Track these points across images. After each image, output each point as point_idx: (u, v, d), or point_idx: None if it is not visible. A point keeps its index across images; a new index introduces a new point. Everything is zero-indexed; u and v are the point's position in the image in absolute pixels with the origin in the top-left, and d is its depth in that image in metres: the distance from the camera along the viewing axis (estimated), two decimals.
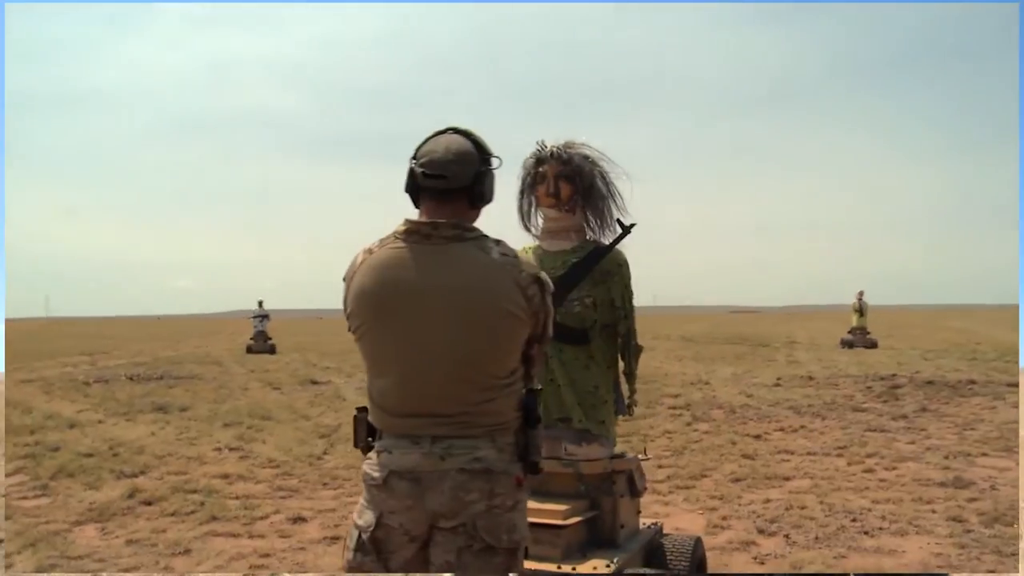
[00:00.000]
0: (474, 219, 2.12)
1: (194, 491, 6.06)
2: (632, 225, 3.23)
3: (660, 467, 6.74)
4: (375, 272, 2.03)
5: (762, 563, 4.27)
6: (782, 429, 8.62)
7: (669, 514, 5.33)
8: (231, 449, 7.83)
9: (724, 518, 5.15)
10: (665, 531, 3.63)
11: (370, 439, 2.09)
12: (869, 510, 5.24)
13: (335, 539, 4.83)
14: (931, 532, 4.74)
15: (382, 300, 2.01)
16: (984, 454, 7.05)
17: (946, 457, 6.89)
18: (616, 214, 3.26)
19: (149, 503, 5.76)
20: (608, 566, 2.91)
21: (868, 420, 9.02)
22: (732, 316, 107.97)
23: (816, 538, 4.64)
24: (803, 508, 5.29)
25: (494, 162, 2.13)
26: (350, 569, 2.05)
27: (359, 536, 2.03)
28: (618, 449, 3.37)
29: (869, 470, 6.49)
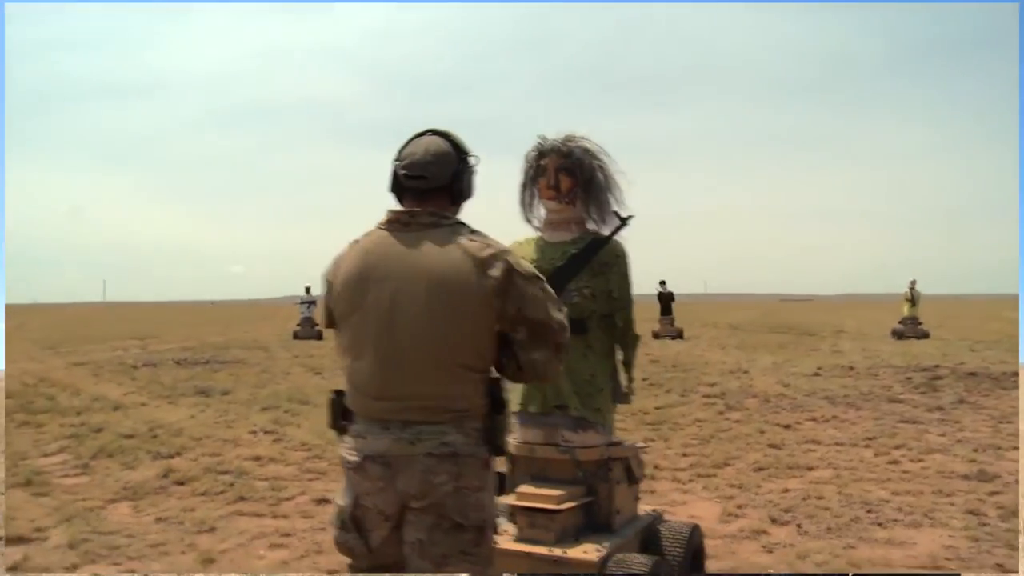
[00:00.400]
0: (455, 214, 2.25)
1: (225, 472, 6.27)
2: (629, 217, 3.28)
3: (684, 455, 6.78)
4: (360, 257, 2.19)
5: (770, 552, 4.29)
6: (814, 419, 8.56)
7: (687, 502, 5.38)
8: (266, 432, 8.05)
9: (740, 507, 5.17)
10: (666, 518, 3.67)
11: (344, 422, 2.22)
12: (887, 502, 5.21)
13: None
14: (946, 525, 4.70)
15: (365, 283, 2.15)
16: (1015, 447, 6.92)
17: (975, 450, 6.78)
18: (614, 206, 3.31)
19: (181, 483, 5.98)
20: (598, 551, 2.97)
21: (902, 411, 8.90)
22: (783, 304, 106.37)
23: (828, 528, 4.64)
24: (820, 498, 5.28)
25: (472, 160, 2.27)
26: (337, 545, 2.23)
27: (340, 515, 2.20)
28: (625, 438, 3.43)
29: (894, 461, 6.43)
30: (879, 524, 4.74)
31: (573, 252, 3.24)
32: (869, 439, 7.34)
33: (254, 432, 8.07)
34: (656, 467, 6.33)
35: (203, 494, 5.68)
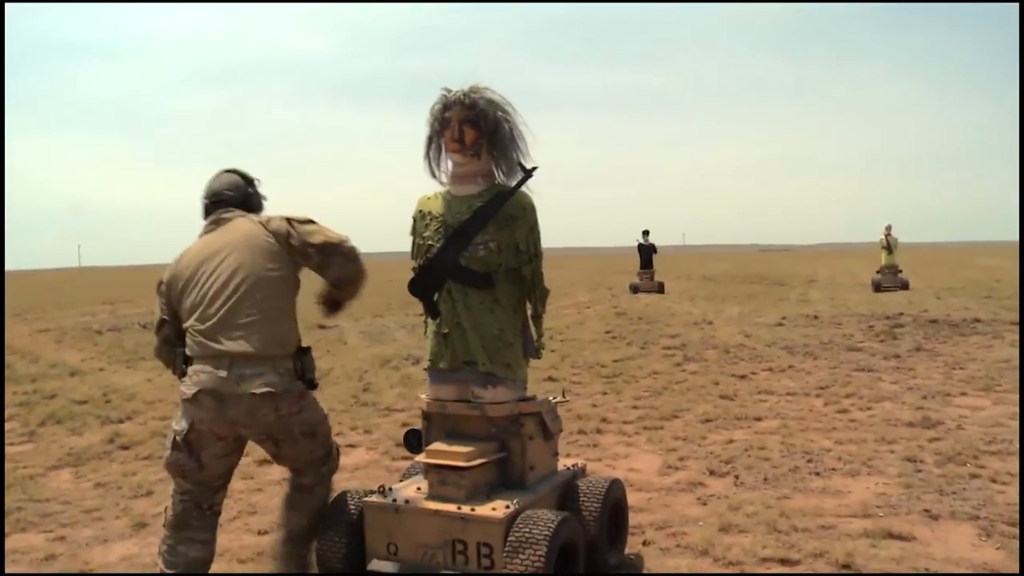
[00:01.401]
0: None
1: None
2: (534, 168, 3.21)
3: (635, 408, 6.80)
4: (191, 255, 3.06)
5: (704, 504, 4.29)
6: (770, 369, 8.61)
7: (629, 454, 5.39)
8: None
9: (682, 459, 5.18)
10: (587, 473, 3.65)
11: (185, 365, 2.97)
12: (829, 451, 5.24)
13: None
14: (882, 472, 4.74)
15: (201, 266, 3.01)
16: (964, 393, 6.99)
17: (924, 397, 6.84)
18: (520, 158, 3.24)
19: (127, 447, 5.93)
20: (508, 507, 2.94)
21: (859, 360, 8.96)
22: (760, 255, 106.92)
23: (765, 479, 4.67)
24: (762, 449, 5.30)
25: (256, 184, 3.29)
26: (167, 465, 3.00)
27: (175, 438, 2.93)
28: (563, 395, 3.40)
29: (843, 410, 6.47)
30: (817, 473, 4.76)
31: (479, 205, 3.17)
32: (822, 388, 7.39)
33: None
34: (604, 420, 6.35)
35: (147, 458, 5.64)
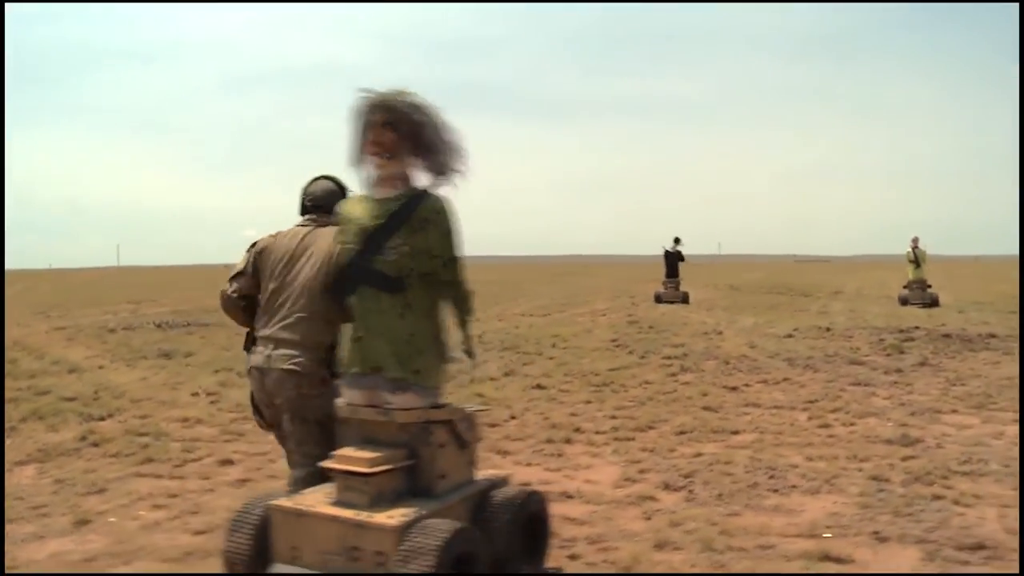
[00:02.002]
0: None
1: (145, 434, 6.24)
2: (453, 172, 3.19)
3: (613, 418, 6.68)
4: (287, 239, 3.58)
5: (649, 519, 4.18)
6: (764, 381, 8.43)
7: (592, 465, 5.29)
8: (209, 394, 8.03)
9: (642, 471, 5.07)
10: (506, 485, 3.56)
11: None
12: (796, 467, 5.09)
13: (245, 481, 4.96)
14: (843, 491, 4.58)
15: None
16: (955, 411, 6.78)
17: (912, 414, 6.64)
18: (441, 162, 3.21)
19: (97, 444, 5.96)
20: (404, 516, 2.88)
21: (859, 373, 8.74)
22: (796, 265, 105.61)
23: (719, 495, 4.54)
24: (728, 463, 5.17)
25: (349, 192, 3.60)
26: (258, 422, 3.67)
27: (252, 401, 3.60)
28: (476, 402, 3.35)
29: (825, 425, 6.30)
30: (776, 490, 4.62)
31: (393, 209, 3.15)
32: (810, 402, 7.20)
33: (196, 394, 8.06)
34: (577, 430, 6.25)
35: (114, 455, 5.66)
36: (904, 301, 19.46)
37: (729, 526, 4.00)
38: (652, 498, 4.52)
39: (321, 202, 3.59)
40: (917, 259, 20.08)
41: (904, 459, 5.22)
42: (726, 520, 4.11)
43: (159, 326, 15.79)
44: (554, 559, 3.56)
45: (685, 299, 20.62)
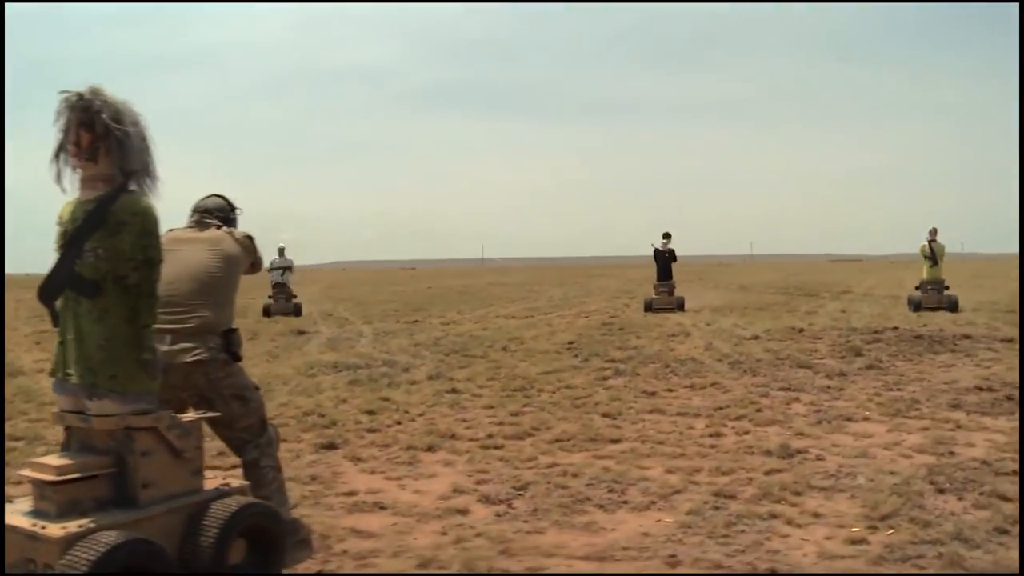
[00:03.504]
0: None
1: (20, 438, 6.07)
2: (133, 172, 3.07)
3: (499, 424, 6.38)
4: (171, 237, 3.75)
5: (444, 534, 3.89)
6: (691, 386, 8.05)
7: (435, 474, 5.03)
8: None
9: (479, 483, 4.76)
10: (232, 496, 3.32)
11: None
12: (645, 480, 4.74)
13: None
14: (675, 508, 4.23)
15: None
16: (866, 419, 6.35)
17: (819, 422, 6.22)
18: (138, 161, 3.09)
19: None
20: (78, 527, 2.73)
21: (796, 378, 8.29)
22: (824, 264, 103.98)
23: (535, 510, 4.22)
24: (575, 476, 4.83)
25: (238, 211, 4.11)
26: None
27: None
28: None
29: (717, 434, 5.93)
30: (602, 506, 4.29)
31: (90, 210, 3.01)
32: (719, 408, 6.81)
33: None
34: (453, 436, 5.97)
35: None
36: (916, 305, 16.35)
37: (516, 546, 3.69)
38: (464, 511, 4.23)
39: (208, 212, 3.95)
40: (934, 254, 16.77)
41: (769, 472, 4.84)
42: (522, 538, 3.80)
43: None
44: (304, 571, 3.31)
45: (680, 306, 17.80)
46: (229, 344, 3.65)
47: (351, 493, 4.62)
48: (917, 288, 16.91)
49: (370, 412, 6.87)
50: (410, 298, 28.08)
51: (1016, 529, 3.80)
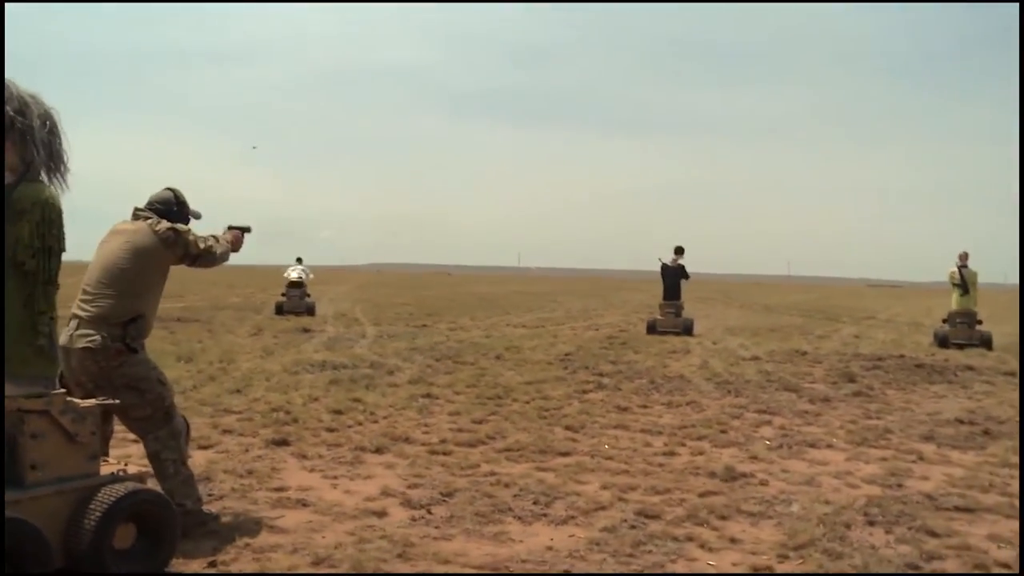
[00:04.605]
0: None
1: None
2: (54, 164, 3.20)
3: (459, 431, 6.36)
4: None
5: (352, 535, 3.89)
6: (668, 404, 7.97)
7: (372, 475, 5.05)
8: None
9: (411, 487, 4.77)
10: (123, 482, 3.38)
11: None
12: (577, 494, 4.70)
13: None
14: (591, 524, 4.18)
15: None
16: (830, 446, 6.23)
17: (781, 447, 6.12)
18: (41, 151, 3.17)
19: None
20: None
21: (777, 400, 8.17)
22: (860, 289, 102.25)
23: (451, 516, 4.20)
24: (507, 486, 4.80)
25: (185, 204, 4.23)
26: None
27: (62, 381, 3.41)
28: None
29: (671, 454, 5.85)
30: (520, 518, 4.25)
31: None
32: (684, 427, 6.74)
33: None
34: (407, 440, 5.98)
35: None
36: (943, 341, 14.37)
37: (416, 551, 3.69)
38: (381, 514, 4.23)
39: (156, 205, 4.08)
40: (964, 282, 14.87)
41: (703, 494, 4.77)
42: (425, 543, 3.79)
43: None
44: (200, 561, 3.36)
45: (688, 329, 15.82)
46: (125, 334, 3.73)
47: (281, 489, 4.66)
48: (944, 321, 14.99)
49: (337, 412, 6.91)
50: (432, 303, 28.19)
51: (930, 566, 3.72)
